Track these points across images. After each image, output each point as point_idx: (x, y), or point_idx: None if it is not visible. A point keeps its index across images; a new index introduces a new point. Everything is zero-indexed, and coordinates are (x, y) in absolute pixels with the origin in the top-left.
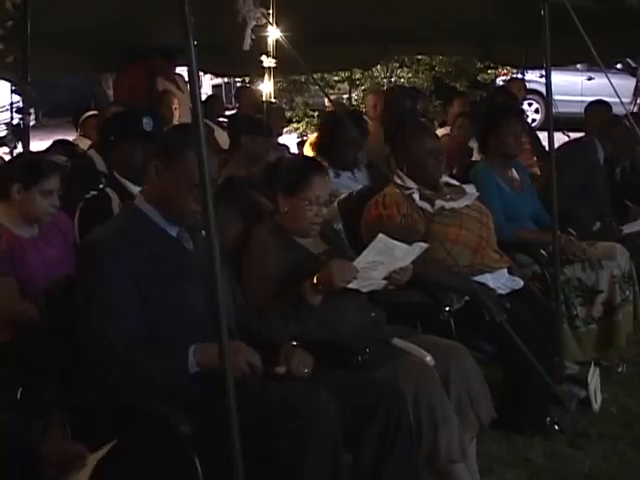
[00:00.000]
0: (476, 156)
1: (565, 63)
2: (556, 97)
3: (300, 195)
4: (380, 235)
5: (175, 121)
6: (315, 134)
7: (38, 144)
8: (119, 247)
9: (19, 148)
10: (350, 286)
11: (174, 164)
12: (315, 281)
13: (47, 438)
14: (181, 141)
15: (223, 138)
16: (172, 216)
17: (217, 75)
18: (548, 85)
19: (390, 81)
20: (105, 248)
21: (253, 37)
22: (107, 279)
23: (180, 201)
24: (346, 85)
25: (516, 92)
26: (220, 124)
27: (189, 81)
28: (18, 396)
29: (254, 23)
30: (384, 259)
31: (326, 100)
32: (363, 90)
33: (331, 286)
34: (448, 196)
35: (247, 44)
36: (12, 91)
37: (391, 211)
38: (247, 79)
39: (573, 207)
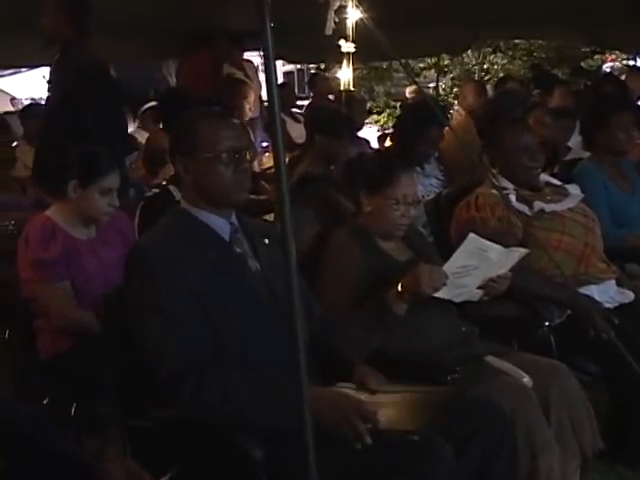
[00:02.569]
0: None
1: None
2: None
3: (385, 194)
4: (471, 235)
5: (246, 112)
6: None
7: None
8: (170, 253)
9: None
10: (440, 295)
11: (192, 151)
12: (400, 288)
13: (103, 458)
14: (186, 122)
15: (296, 131)
16: (219, 207)
17: (289, 61)
18: None
19: (482, 68)
20: (155, 255)
21: (336, 20)
22: (163, 288)
23: (216, 186)
24: (433, 72)
25: (635, 86)
26: (293, 115)
27: (265, 67)
28: (72, 412)
29: (338, 4)
30: (478, 263)
31: (407, 90)
32: (452, 78)
33: (418, 293)
34: (549, 197)
35: (330, 28)
36: None
37: (484, 214)
38: (322, 65)
39: None
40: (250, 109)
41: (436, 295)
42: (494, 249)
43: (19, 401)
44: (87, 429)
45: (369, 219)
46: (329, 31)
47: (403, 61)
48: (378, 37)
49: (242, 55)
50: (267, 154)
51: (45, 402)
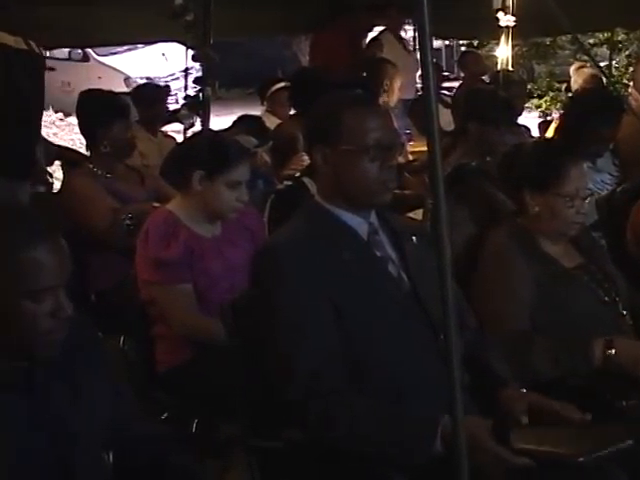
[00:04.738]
0: None
1: None
2: None
3: (556, 190)
4: None
5: (390, 97)
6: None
7: (213, 120)
8: (304, 253)
9: (196, 125)
10: None
11: (335, 141)
12: (606, 346)
13: None
14: (329, 108)
15: (445, 116)
16: (358, 206)
17: (437, 37)
18: None
19: None
20: (287, 256)
21: None
22: (292, 295)
23: (358, 183)
24: (605, 49)
25: None
26: (440, 98)
27: (419, 42)
28: (193, 429)
29: None
30: None
31: (572, 68)
32: (627, 56)
33: (631, 371)
34: None
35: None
36: (192, 57)
37: None
38: (475, 42)
39: None
40: (398, 87)
41: None
42: None
43: (138, 417)
44: (209, 449)
45: (536, 219)
46: (497, 4)
47: (565, 38)
48: (551, 7)
49: (401, 27)
50: (411, 143)
51: (163, 418)
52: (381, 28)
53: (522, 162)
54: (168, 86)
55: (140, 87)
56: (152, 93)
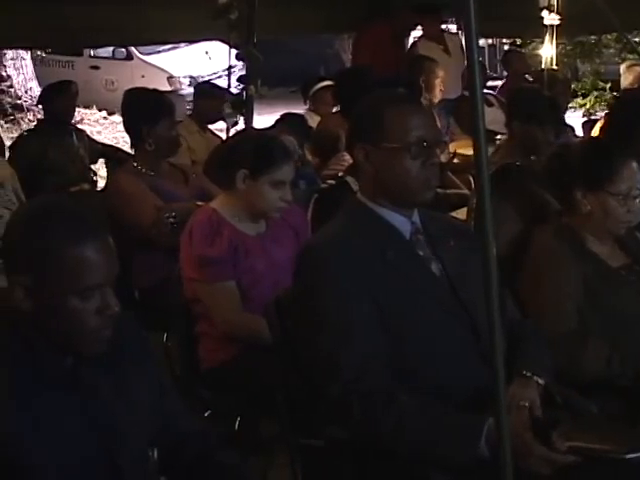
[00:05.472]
0: None
1: None
2: None
3: (609, 189)
4: None
5: (433, 92)
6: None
7: (256, 119)
8: (347, 252)
9: (240, 124)
10: None
11: (376, 140)
12: None
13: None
14: (372, 107)
15: (488, 116)
16: (400, 205)
17: (482, 36)
18: None
19: None
20: (330, 255)
21: None
22: (335, 294)
23: (400, 181)
24: None
25: None
26: (485, 97)
27: (465, 41)
28: (236, 427)
29: None
30: None
31: (622, 66)
32: None
33: None
34: None
35: None
36: (237, 56)
37: None
38: (518, 41)
39: None
40: (439, 91)
41: None
42: None
43: (183, 414)
44: (252, 447)
45: (585, 218)
46: (543, 2)
47: (610, 37)
48: (599, 6)
49: (438, 26)
50: (453, 142)
51: (206, 415)
52: (420, 32)
53: (573, 161)
54: (229, 89)
55: (204, 83)
56: (214, 90)
